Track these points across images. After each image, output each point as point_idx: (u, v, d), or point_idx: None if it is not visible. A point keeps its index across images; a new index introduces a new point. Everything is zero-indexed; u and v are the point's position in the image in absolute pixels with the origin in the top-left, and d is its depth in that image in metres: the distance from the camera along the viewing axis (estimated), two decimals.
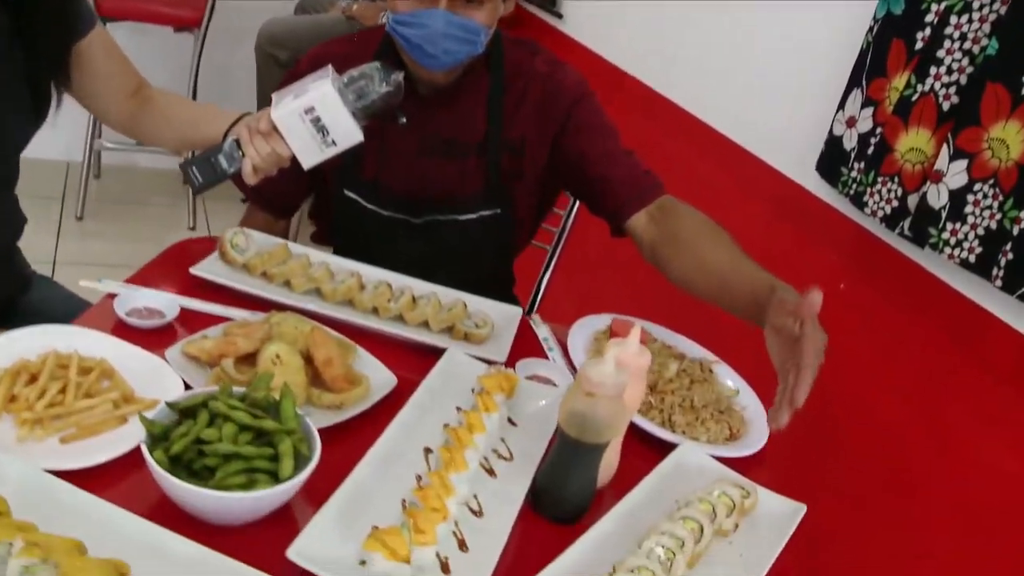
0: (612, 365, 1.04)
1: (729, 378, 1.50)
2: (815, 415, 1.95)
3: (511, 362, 1.41)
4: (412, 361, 1.37)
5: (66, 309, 1.58)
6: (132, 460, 1.03)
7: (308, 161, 1.39)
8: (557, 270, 2.17)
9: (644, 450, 1.30)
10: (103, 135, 3.67)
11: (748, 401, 1.45)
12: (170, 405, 1.05)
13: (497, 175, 1.63)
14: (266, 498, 0.98)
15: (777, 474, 1.33)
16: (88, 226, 3.65)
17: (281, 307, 1.39)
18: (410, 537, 0.96)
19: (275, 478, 1.00)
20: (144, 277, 1.48)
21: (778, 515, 1.19)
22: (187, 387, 1.18)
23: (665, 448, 1.29)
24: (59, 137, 4.07)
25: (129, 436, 1.08)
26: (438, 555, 1.01)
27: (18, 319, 1.55)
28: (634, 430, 1.33)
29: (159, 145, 1.67)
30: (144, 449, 0.98)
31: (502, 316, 1.52)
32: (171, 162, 4.12)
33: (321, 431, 1.17)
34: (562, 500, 1.13)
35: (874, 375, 1.82)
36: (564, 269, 2.18)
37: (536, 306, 2.17)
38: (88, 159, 3.65)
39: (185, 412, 1.06)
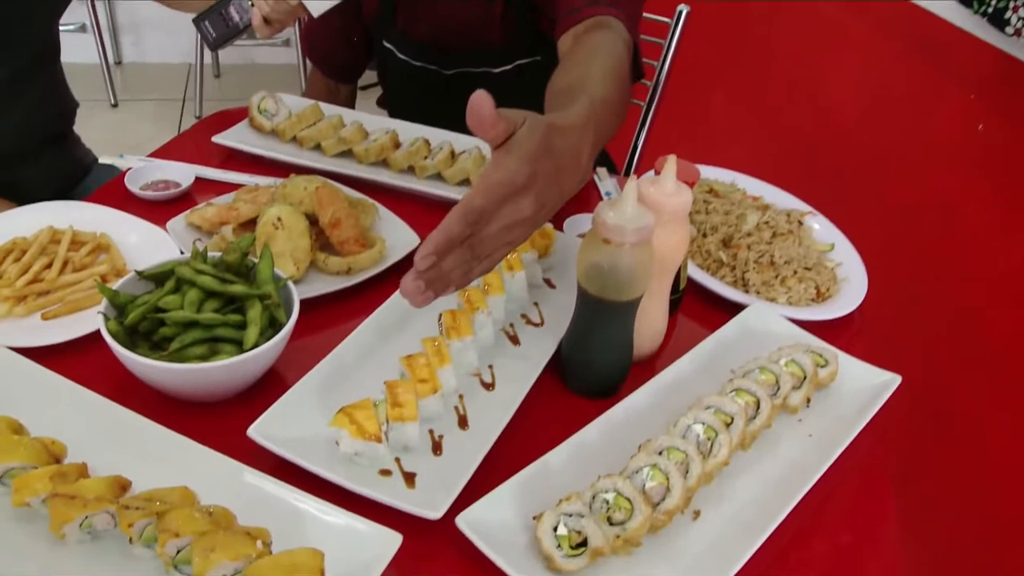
0: (631, 206, 0.84)
1: (824, 230, 1.25)
2: (931, 273, 1.66)
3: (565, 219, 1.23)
4: None
5: None
6: None
7: (316, 8, 1.26)
8: (654, 126, 1.92)
9: (712, 315, 1.10)
10: None
11: (845, 256, 1.21)
12: (140, 273, 0.94)
13: (527, 15, 1.40)
14: (226, 369, 0.85)
15: (873, 341, 1.09)
16: None
17: (307, 171, 1.26)
18: (386, 412, 0.82)
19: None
20: (173, 150, 1.39)
21: (863, 389, 0.97)
22: None
23: (737, 313, 1.08)
24: (179, 41, 4.15)
25: None
26: (432, 433, 0.87)
27: None
28: (698, 291, 1.13)
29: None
30: (100, 319, 0.87)
31: None
32: (285, 55, 4.07)
33: (326, 298, 1.06)
34: (587, 370, 0.95)
35: (1012, 231, 1.51)
36: (662, 124, 1.92)
37: (634, 167, 1.95)
38: (200, 58, 3.62)
39: (159, 281, 0.95)
